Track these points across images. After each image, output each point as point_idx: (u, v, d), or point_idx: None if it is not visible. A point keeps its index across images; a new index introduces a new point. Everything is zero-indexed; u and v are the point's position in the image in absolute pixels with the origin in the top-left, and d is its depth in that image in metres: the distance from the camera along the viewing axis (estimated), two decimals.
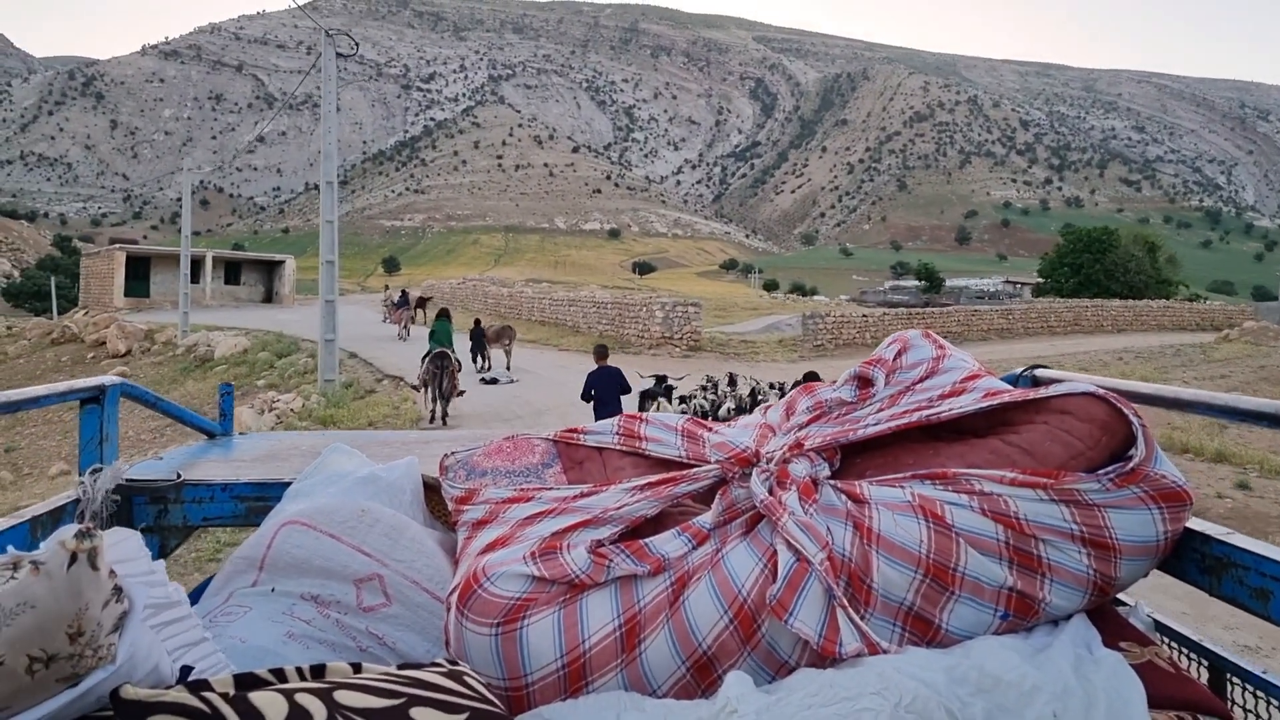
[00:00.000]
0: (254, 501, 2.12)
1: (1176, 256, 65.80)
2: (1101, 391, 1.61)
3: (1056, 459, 1.54)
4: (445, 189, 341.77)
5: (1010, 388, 1.78)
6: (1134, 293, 54.10)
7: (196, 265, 51.14)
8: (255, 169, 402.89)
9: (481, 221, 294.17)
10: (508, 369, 21.89)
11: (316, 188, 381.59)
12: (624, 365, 22.47)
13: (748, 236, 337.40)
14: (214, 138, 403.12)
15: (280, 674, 1.03)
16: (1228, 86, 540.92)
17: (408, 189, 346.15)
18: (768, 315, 43.28)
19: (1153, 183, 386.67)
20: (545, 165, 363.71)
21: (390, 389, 18.54)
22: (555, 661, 1.42)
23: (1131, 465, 1.50)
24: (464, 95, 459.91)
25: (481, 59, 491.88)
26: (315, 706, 0.96)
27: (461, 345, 19.90)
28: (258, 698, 0.94)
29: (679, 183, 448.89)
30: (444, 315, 17.32)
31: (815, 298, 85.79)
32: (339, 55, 18.07)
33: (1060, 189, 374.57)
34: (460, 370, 15.93)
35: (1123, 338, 37.85)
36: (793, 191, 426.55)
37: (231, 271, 56.27)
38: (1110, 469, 1.51)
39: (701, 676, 1.42)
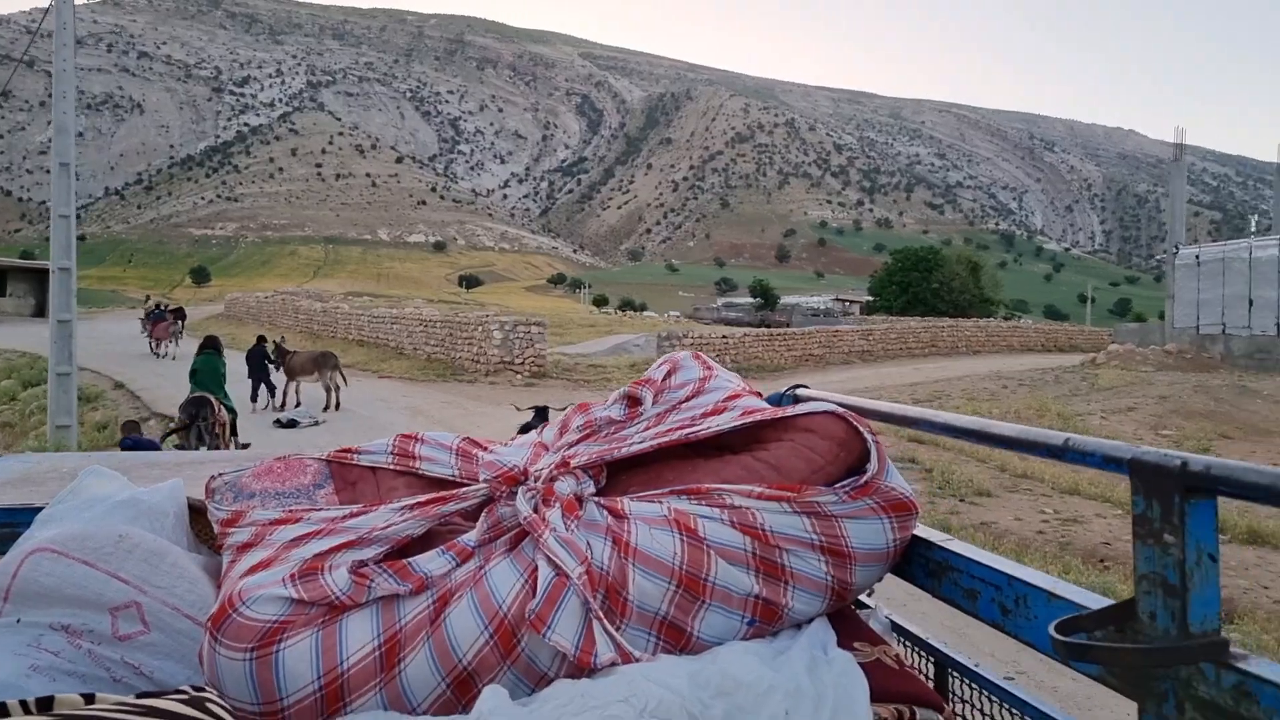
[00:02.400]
0: (1, 528, 2.00)
1: (999, 277, 69.47)
2: (841, 410, 1.74)
3: (800, 474, 1.65)
4: (260, 197, 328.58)
5: (767, 406, 1.89)
6: (959, 311, 56.07)
7: None
8: (48, 171, 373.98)
9: (300, 232, 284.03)
10: (336, 407, 17.83)
11: (118, 192, 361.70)
12: (459, 395, 20.82)
13: (575, 251, 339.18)
14: (1, 137, 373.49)
15: (2, 709, 1.00)
16: (1018, 118, 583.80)
17: (219, 196, 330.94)
18: (612, 335, 40.65)
19: (954, 206, 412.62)
20: (368, 175, 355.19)
21: (159, 431, 14.52)
22: (312, 684, 1.41)
23: (865, 479, 1.62)
24: (280, 101, 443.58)
25: (299, 64, 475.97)
26: None
27: (238, 369, 16.73)
28: None
29: (506, 196, 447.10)
30: (211, 347, 13.39)
31: (645, 314, 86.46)
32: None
33: (871, 210, 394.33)
34: (226, 420, 12.03)
35: (982, 360, 36.72)
36: (619, 208, 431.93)
37: None
38: (846, 482, 1.63)
39: (462, 692, 1.45)
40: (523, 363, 24.69)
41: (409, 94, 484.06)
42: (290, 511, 1.75)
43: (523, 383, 23.24)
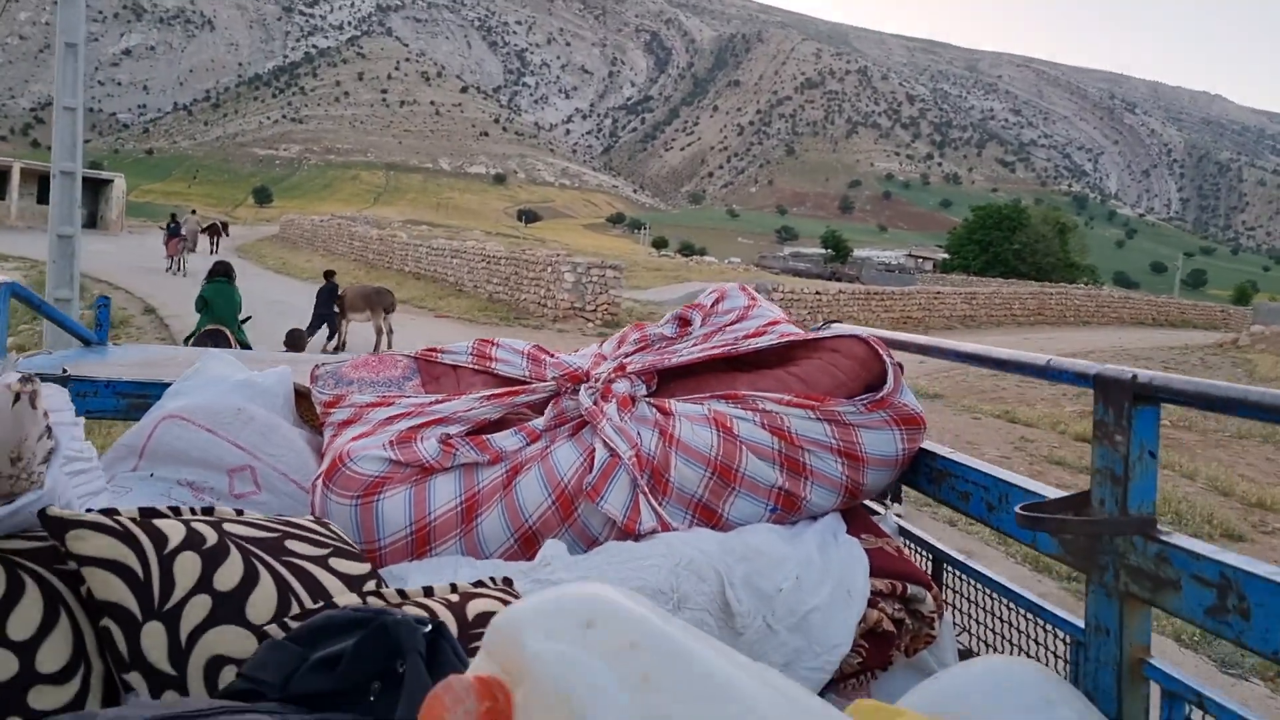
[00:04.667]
0: (135, 399, 2.30)
1: (1086, 242, 66.54)
2: (864, 334, 1.99)
3: (824, 387, 1.91)
4: (325, 120, 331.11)
5: (801, 332, 2.13)
6: (1042, 275, 54.44)
7: (2, 177, 45.34)
8: (119, 84, 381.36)
9: (362, 157, 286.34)
10: (389, 348, 15.04)
11: (186, 108, 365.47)
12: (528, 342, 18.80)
13: (635, 191, 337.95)
14: None
15: (176, 510, 1.29)
16: (1100, 77, 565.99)
17: (285, 117, 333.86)
18: (683, 282, 37.27)
19: (1026, 165, 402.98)
20: (432, 103, 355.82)
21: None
22: (405, 529, 1.72)
23: (881, 395, 1.87)
24: (349, 24, 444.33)
25: None
26: (209, 532, 1.22)
27: (295, 306, 15.74)
28: (160, 522, 1.20)
29: (568, 132, 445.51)
30: (222, 274, 11.97)
31: (706, 258, 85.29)
32: None
33: (940, 165, 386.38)
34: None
35: (1093, 332, 34.45)
36: (682, 149, 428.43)
37: (47, 189, 48.87)
38: (865, 397, 1.88)
39: (526, 547, 1.74)
40: (595, 309, 22.73)
41: (477, 23, 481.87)
42: (384, 397, 2.04)
43: (595, 331, 21.10)
